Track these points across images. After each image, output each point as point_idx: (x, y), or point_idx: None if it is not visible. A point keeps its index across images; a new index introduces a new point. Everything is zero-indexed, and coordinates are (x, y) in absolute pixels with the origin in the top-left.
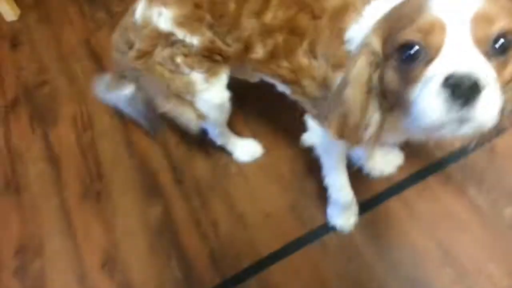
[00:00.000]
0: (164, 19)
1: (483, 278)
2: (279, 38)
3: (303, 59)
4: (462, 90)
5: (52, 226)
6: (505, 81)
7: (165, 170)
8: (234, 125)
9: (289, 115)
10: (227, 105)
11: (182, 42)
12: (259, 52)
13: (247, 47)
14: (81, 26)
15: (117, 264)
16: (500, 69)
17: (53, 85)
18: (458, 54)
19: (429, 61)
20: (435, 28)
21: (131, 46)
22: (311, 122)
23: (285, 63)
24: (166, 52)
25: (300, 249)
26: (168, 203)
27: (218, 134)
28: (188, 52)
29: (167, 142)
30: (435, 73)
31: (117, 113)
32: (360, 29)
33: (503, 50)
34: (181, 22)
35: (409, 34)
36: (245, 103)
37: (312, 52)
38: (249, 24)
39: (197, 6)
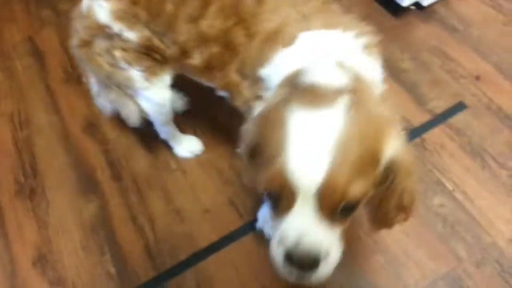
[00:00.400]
0: (103, 11)
1: (411, 264)
2: (214, 49)
3: (234, 75)
4: (302, 265)
5: None
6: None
7: (103, 166)
8: (175, 121)
9: (229, 114)
10: (169, 105)
11: (119, 36)
12: (196, 58)
13: (184, 52)
14: (25, 24)
15: (49, 261)
16: (344, 222)
17: None
18: (303, 225)
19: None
20: (285, 193)
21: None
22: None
23: (218, 75)
24: (104, 44)
25: (236, 240)
26: (104, 199)
27: (162, 128)
28: (126, 47)
29: (106, 138)
30: (282, 237)
31: (54, 111)
32: (272, 74)
33: (347, 211)
34: (119, 16)
35: (266, 181)
36: (188, 100)
37: (242, 71)
38: (185, 29)
39: (134, 2)
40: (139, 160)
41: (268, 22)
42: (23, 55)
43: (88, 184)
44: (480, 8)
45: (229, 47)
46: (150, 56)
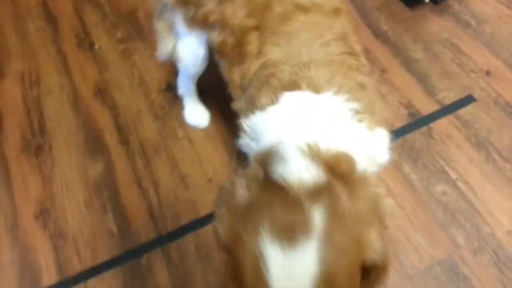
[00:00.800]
0: None
1: (410, 247)
2: (229, 38)
3: (237, 78)
4: None
5: None
6: None
7: (111, 130)
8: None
9: None
10: (200, 62)
11: None
12: (214, 34)
13: (206, 20)
14: None
15: (51, 216)
16: None
17: (5, 42)
18: None
19: None
20: None
21: None
22: None
23: (224, 64)
24: None
25: None
26: (110, 161)
27: (185, 82)
28: None
29: (115, 104)
30: None
31: (65, 74)
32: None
33: None
34: None
35: None
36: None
37: (241, 83)
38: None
39: None
40: (147, 126)
41: (275, 47)
42: (37, 19)
43: (95, 146)
44: (495, 6)
45: (239, 48)
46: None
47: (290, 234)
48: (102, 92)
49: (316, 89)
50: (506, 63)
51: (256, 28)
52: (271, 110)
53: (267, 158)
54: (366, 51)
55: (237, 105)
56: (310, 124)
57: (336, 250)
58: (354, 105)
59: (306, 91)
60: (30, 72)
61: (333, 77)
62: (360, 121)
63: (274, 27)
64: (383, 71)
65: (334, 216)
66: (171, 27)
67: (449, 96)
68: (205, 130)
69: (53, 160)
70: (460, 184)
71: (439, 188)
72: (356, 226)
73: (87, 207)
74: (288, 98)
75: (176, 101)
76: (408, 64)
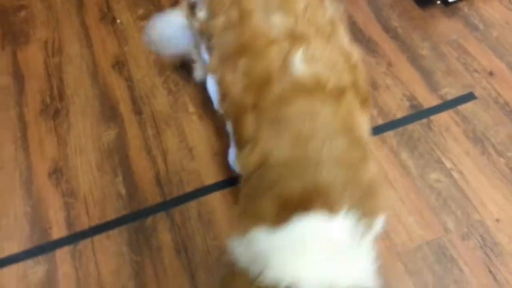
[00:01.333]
0: None
1: (401, 227)
2: (230, 108)
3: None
4: None
5: (7, 134)
6: None
7: (126, 100)
8: None
9: None
10: None
11: None
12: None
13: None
14: None
15: (64, 175)
16: None
17: (30, 11)
18: None
19: None
20: None
21: None
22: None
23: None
24: None
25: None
26: (123, 129)
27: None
28: None
29: (132, 76)
30: None
31: (87, 45)
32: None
33: None
34: None
35: None
36: None
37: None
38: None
39: None
40: (159, 99)
41: (271, 144)
42: None
43: (109, 114)
44: (503, 12)
45: (237, 128)
46: None
47: None
48: (120, 65)
49: (331, 208)
50: (509, 66)
51: (254, 106)
52: (279, 232)
53: None
54: (375, 44)
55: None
56: (327, 262)
57: None
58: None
59: (319, 211)
60: (53, 41)
61: (346, 185)
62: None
63: (272, 110)
64: (389, 64)
65: None
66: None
67: (451, 92)
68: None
69: (69, 124)
70: (454, 173)
71: (434, 176)
72: None
73: (99, 170)
74: (300, 223)
75: (189, 79)
76: (414, 60)
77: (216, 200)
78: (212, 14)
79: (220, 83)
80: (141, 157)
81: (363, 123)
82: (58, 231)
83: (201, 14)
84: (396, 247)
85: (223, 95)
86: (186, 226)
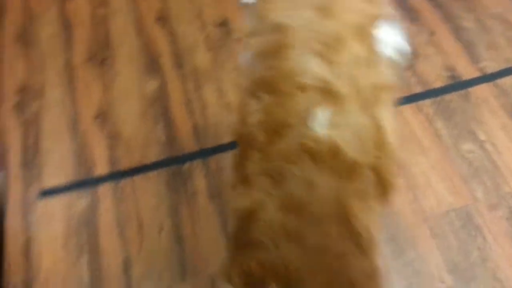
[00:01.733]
0: None
1: (429, 192)
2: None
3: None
4: None
5: (55, 78)
6: None
7: (168, 54)
8: None
9: None
10: None
11: None
12: None
13: None
14: None
15: (109, 119)
16: None
17: None
18: None
19: None
20: None
21: None
22: None
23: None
24: None
25: None
26: (165, 81)
27: None
28: None
29: (174, 31)
30: None
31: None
32: None
33: None
34: None
35: None
36: None
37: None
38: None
39: None
40: (201, 55)
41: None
42: None
43: (152, 66)
44: None
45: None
46: None
47: None
48: (163, 20)
49: None
50: None
51: (262, 146)
52: None
53: None
54: (417, 12)
55: None
56: None
57: None
58: None
59: None
60: None
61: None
62: None
63: (277, 160)
64: (431, 33)
65: None
66: None
67: (491, 65)
68: None
69: (115, 72)
70: (487, 145)
71: (467, 146)
72: None
73: (141, 116)
74: None
75: (229, 36)
76: (456, 30)
77: None
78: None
79: (240, 104)
80: (181, 108)
81: (366, 217)
82: (101, 169)
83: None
84: (424, 211)
85: (240, 116)
86: (220, 175)
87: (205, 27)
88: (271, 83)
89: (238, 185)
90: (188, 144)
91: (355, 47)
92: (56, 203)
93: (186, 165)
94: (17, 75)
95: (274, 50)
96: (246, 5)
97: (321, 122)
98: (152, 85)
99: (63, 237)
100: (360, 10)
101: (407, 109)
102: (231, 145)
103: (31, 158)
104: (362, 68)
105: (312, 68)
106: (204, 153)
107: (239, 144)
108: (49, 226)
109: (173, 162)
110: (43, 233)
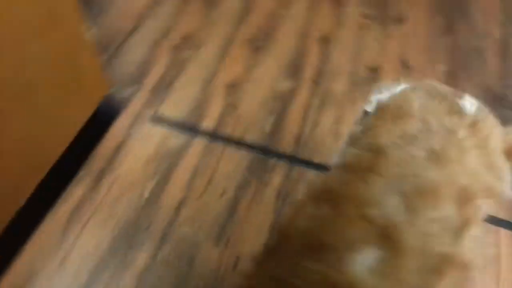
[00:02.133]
0: None
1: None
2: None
3: None
4: None
5: (214, 40)
6: None
7: (313, 68)
8: None
9: None
10: None
11: None
12: None
13: None
14: None
15: (237, 91)
16: None
17: None
18: None
19: None
20: None
21: None
22: None
23: None
24: None
25: None
26: (297, 87)
27: None
28: None
29: (330, 54)
30: None
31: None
32: None
33: None
34: None
35: None
36: None
37: None
38: None
39: None
40: (340, 83)
41: None
42: None
43: (295, 71)
44: None
45: None
46: None
47: None
48: (326, 40)
49: None
50: None
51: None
52: None
53: None
54: None
55: None
56: None
57: None
58: None
59: None
60: None
61: None
62: None
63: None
64: None
65: None
66: None
67: None
68: None
69: (259, 61)
70: None
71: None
72: None
73: (261, 105)
74: None
75: (373, 81)
76: None
77: None
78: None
79: (299, 203)
80: (297, 114)
81: None
82: (208, 124)
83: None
84: None
85: (291, 213)
86: (298, 184)
87: (357, 63)
88: (337, 197)
89: None
90: (284, 145)
91: (448, 210)
92: (158, 131)
93: (273, 160)
94: (190, 24)
95: (360, 168)
96: (364, 111)
97: (363, 263)
98: (285, 85)
99: (148, 158)
100: (476, 175)
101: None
102: (318, 166)
103: (163, 87)
104: (440, 233)
105: (386, 204)
106: (293, 160)
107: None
108: (142, 143)
109: (265, 151)
110: (136, 146)
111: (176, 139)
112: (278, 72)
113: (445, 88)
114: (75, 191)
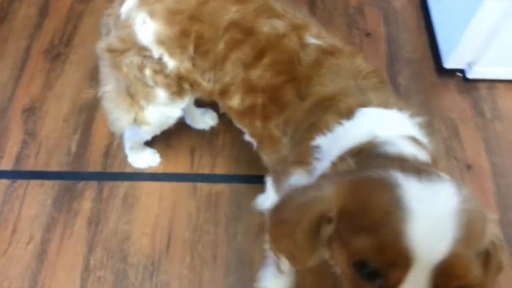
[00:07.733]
0: (146, 31)
1: None
2: (259, 99)
3: (275, 130)
4: None
5: (9, 61)
6: None
7: None
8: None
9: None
10: (173, 122)
11: (156, 60)
12: (235, 101)
13: (225, 92)
14: None
15: (35, 115)
16: None
17: None
18: None
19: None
20: (399, 262)
21: (107, 34)
22: (269, 185)
23: (258, 124)
24: (136, 60)
25: None
26: None
27: (137, 140)
28: (160, 70)
29: None
30: None
31: None
32: (329, 144)
33: None
34: (163, 41)
35: (367, 252)
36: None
37: (284, 129)
38: (233, 72)
39: (184, 33)
40: None
41: (323, 87)
42: None
43: (94, 75)
44: None
45: (275, 102)
46: (181, 84)
47: (425, 177)
48: None
49: (386, 106)
50: (493, 166)
51: (289, 81)
52: (346, 125)
53: (368, 147)
54: None
55: (272, 157)
56: (399, 128)
57: (469, 206)
58: (416, 120)
59: (377, 107)
60: None
61: (387, 99)
62: (423, 134)
63: (310, 74)
64: None
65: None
66: (135, 100)
67: None
68: None
69: (62, 70)
70: None
71: None
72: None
73: (64, 121)
74: (363, 112)
75: None
76: None
77: (146, 188)
78: None
79: (243, 87)
80: (104, 124)
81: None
82: (5, 164)
83: None
84: None
85: (246, 93)
86: (109, 202)
87: None
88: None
89: None
90: (94, 162)
91: None
92: None
93: (81, 184)
94: None
95: None
96: None
97: None
98: (89, 94)
99: None
100: None
101: None
102: (132, 176)
103: None
104: None
105: None
106: (104, 176)
107: (265, 116)
108: None
109: (72, 176)
110: None
111: None
112: (83, 79)
113: None
114: None
